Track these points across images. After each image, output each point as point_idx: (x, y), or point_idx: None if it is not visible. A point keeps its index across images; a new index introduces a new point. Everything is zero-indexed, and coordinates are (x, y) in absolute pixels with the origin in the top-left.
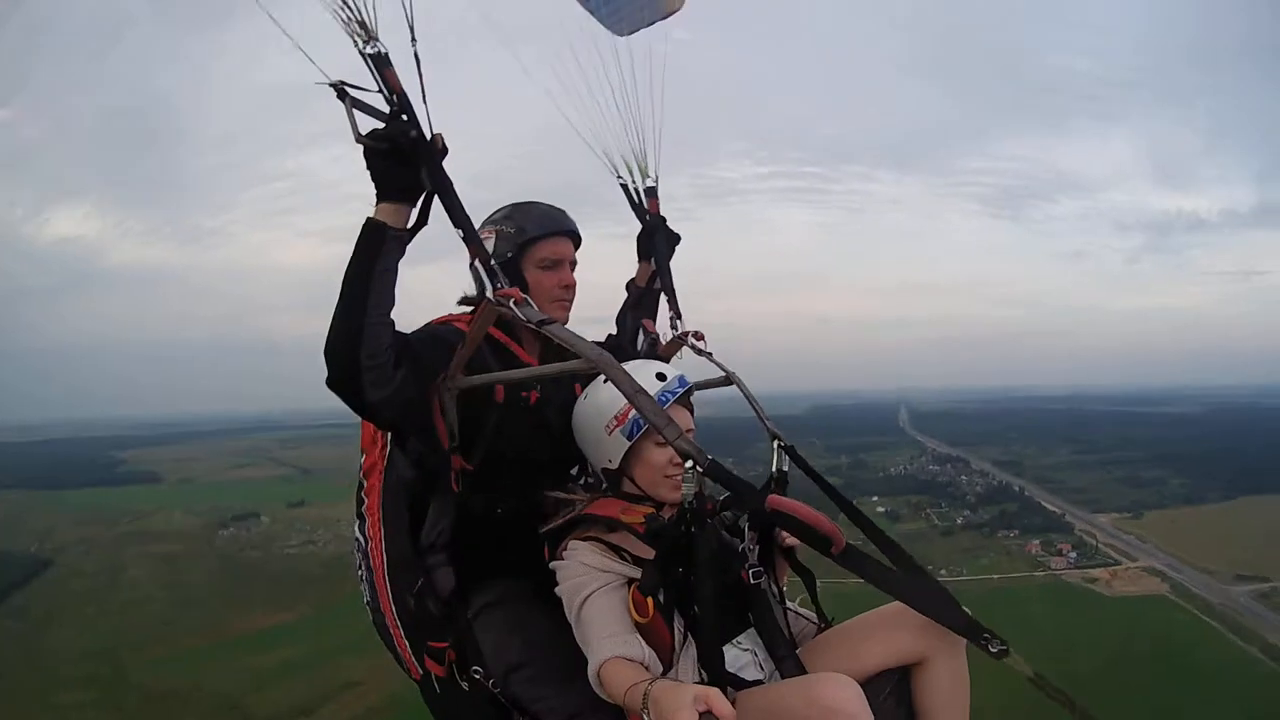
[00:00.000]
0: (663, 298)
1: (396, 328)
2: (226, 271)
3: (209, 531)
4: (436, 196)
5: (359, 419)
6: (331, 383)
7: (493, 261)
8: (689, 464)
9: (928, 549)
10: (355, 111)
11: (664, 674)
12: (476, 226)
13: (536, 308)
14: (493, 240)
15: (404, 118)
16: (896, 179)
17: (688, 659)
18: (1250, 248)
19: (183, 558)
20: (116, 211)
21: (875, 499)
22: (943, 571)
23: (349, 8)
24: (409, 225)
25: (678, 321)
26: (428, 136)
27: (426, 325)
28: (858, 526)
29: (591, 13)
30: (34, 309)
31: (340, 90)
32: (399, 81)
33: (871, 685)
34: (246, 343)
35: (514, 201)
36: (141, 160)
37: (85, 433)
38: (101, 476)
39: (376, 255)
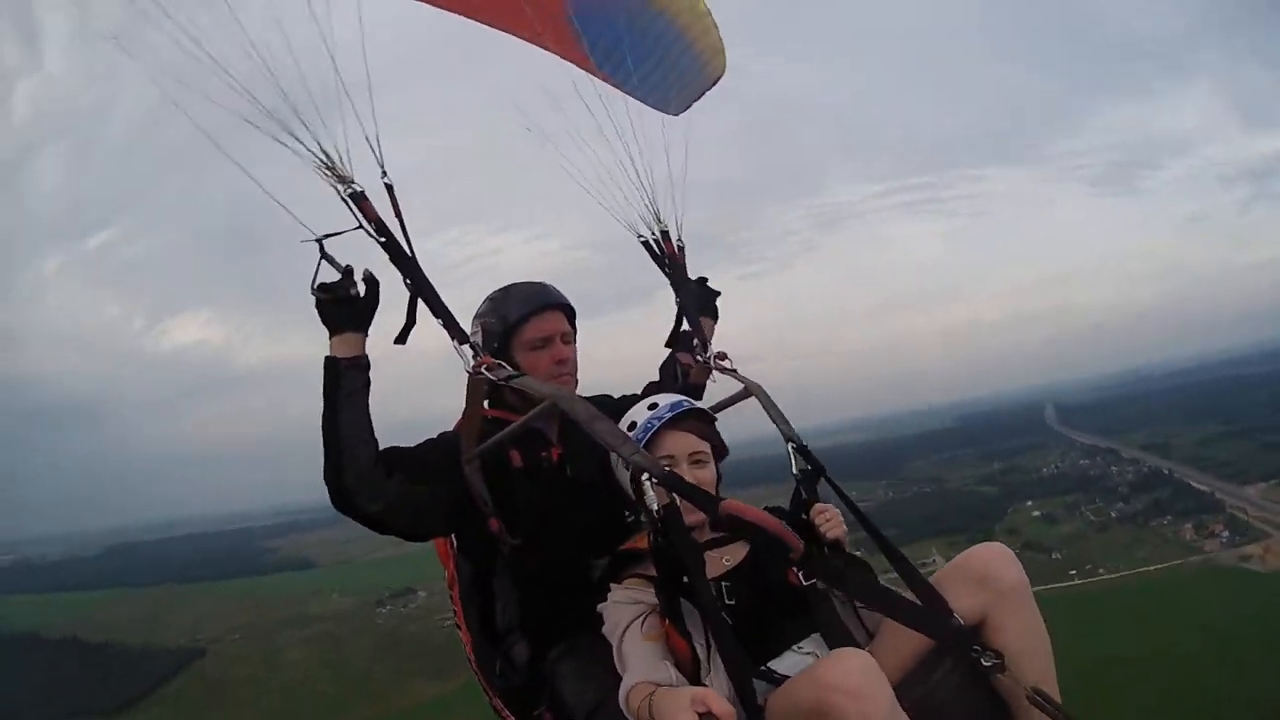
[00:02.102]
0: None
1: (380, 445)
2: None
3: (367, 610)
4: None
5: None
6: (335, 506)
7: (474, 339)
8: (645, 477)
9: (1087, 548)
10: (324, 263)
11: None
12: (467, 321)
13: (510, 370)
14: (480, 335)
15: (351, 274)
16: (1004, 174)
17: (717, 673)
18: None
19: (343, 637)
20: (237, 316)
21: (1030, 503)
22: (1100, 570)
23: (329, 168)
24: (362, 352)
25: (704, 351)
26: (409, 253)
27: (428, 438)
28: (866, 530)
29: (641, 100)
30: (165, 415)
31: (320, 246)
32: (375, 211)
33: (929, 659)
34: (392, 426)
35: (495, 290)
36: (256, 265)
37: (231, 525)
38: (251, 566)
39: (337, 385)
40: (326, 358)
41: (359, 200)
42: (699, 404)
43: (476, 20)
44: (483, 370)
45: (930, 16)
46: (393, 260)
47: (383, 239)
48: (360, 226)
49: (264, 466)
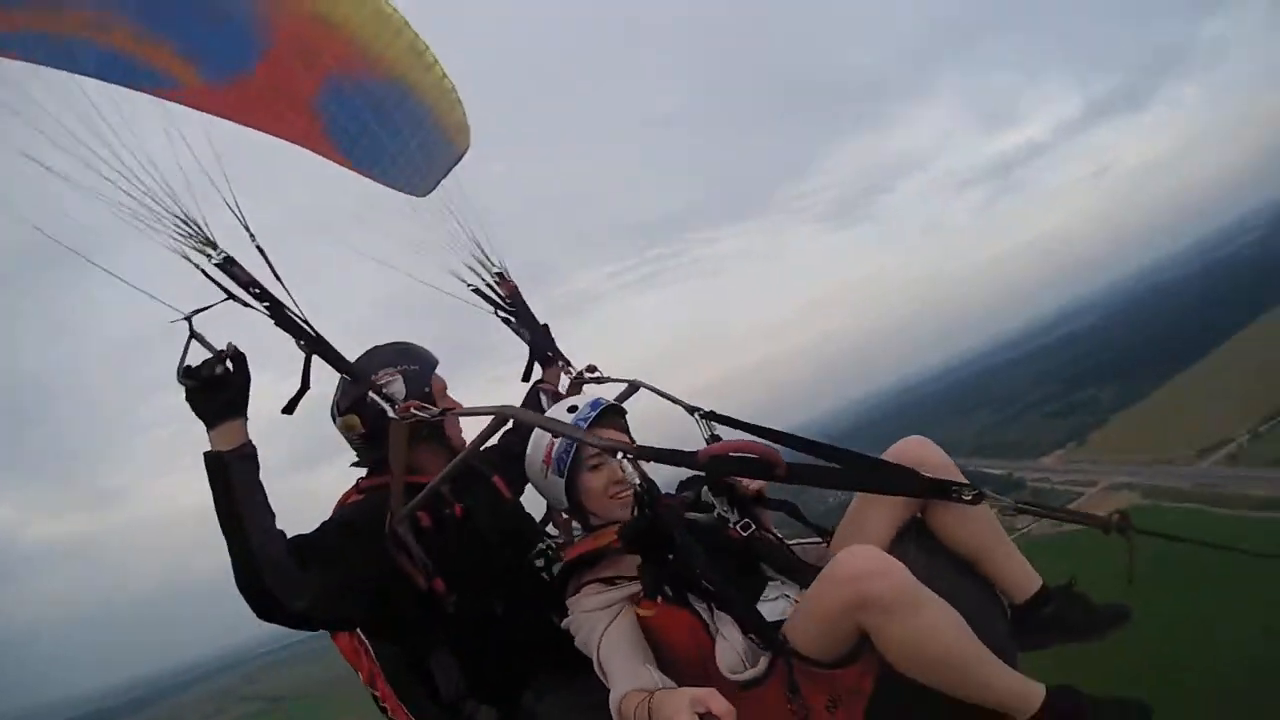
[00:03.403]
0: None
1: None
2: (143, 526)
3: None
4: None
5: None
6: (259, 614)
7: (387, 389)
8: (618, 455)
9: None
10: (196, 344)
11: (709, 648)
12: (368, 371)
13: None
14: (399, 380)
15: (222, 355)
16: (738, 230)
17: (725, 627)
18: (1089, 149)
19: None
20: (13, 496)
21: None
22: None
23: (193, 233)
24: (245, 439)
25: (569, 368)
26: (296, 310)
27: (324, 521)
28: (797, 449)
29: (388, 185)
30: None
31: (190, 324)
32: (248, 273)
33: (893, 550)
34: (193, 585)
35: (389, 344)
36: (26, 439)
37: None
38: None
39: (229, 483)
40: (208, 454)
41: (229, 266)
42: (611, 401)
43: (248, 126)
44: (413, 411)
45: (646, 97)
46: (279, 324)
47: (266, 303)
48: (230, 296)
49: (63, 652)
